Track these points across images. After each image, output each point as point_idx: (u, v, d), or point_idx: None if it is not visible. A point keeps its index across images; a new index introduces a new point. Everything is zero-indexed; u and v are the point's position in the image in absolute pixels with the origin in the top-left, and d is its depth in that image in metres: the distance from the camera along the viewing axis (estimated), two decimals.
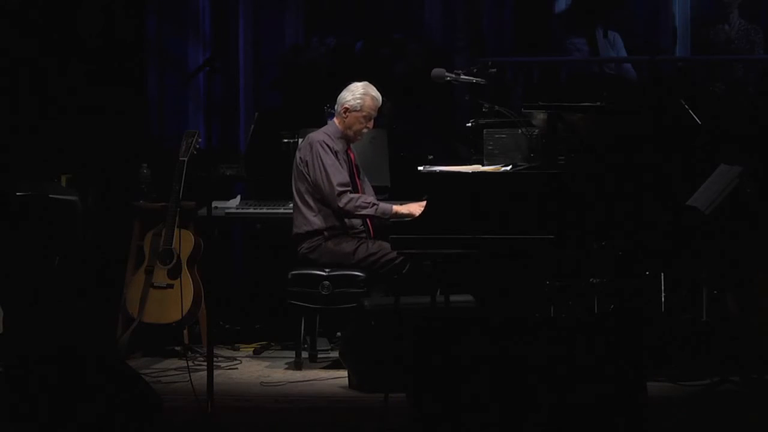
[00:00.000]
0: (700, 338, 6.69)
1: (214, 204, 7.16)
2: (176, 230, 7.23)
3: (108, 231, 8.02)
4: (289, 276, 7.07)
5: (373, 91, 7.17)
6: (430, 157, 7.55)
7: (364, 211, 7.03)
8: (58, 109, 8.23)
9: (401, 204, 7.03)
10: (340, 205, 7.01)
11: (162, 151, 8.34)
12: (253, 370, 7.16)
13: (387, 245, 6.73)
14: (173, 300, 7.18)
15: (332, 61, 8.93)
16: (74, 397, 4.98)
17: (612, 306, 7.00)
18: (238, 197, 7.82)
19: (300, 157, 7.16)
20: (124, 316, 7.45)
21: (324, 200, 7.07)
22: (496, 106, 6.95)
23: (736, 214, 6.24)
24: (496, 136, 6.92)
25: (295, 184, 7.17)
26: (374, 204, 7.01)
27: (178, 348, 7.52)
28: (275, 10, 9.06)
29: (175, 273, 7.23)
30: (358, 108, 7.14)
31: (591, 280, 7.05)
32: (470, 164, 6.91)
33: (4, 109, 8.09)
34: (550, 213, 6.25)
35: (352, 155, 7.27)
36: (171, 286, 7.22)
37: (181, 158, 7.28)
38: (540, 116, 6.66)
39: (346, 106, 7.15)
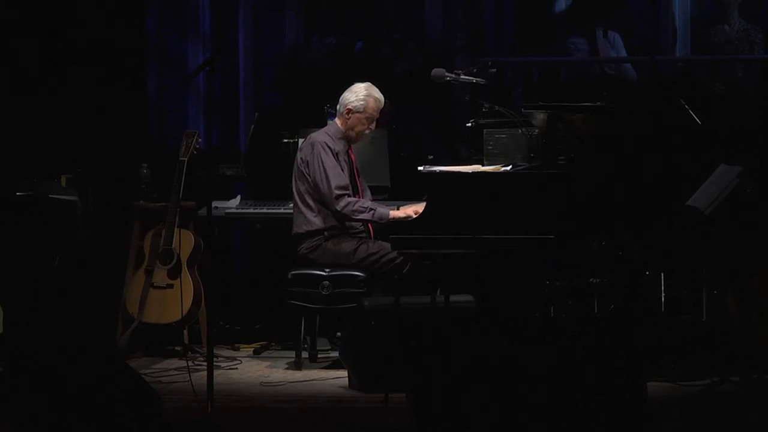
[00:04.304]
0: (700, 338, 6.69)
1: (214, 204, 7.16)
2: (176, 230, 7.23)
3: (108, 231, 8.02)
4: (289, 276, 7.07)
5: (376, 93, 7.17)
6: (430, 157, 7.56)
7: (361, 216, 7.03)
8: (58, 109, 8.23)
9: (399, 207, 7.02)
10: (338, 208, 7.01)
11: (162, 151, 8.35)
12: (253, 370, 7.17)
13: (387, 245, 6.73)
14: (173, 300, 7.18)
15: (332, 61, 8.93)
16: (74, 398, 4.99)
17: (612, 306, 7.00)
18: (238, 197, 7.82)
19: (301, 158, 7.17)
20: (124, 316, 7.45)
21: (323, 201, 7.07)
22: (496, 106, 6.95)
23: (736, 214, 6.24)
24: (496, 136, 6.92)
25: (295, 184, 7.17)
26: (371, 209, 7.00)
27: (178, 348, 7.52)
28: (275, 10, 9.06)
29: (175, 273, 7.23)
30: (361, 109, 7.14)
31: (591, 280, 7.05)
32: (470, 164, 6.91)
33: (4, 109, 8.09)
34: (550, 213, 6.25)
35: (353, 156, 7.27)
36: (171, 286, 7.22)
37: (181, 158, 7.29)
38: (540, 116, 6.66)
39: (349, 107, 7.15)
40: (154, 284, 7.24)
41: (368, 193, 7.37)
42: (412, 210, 6.82)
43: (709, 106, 7.93)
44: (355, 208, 7.02)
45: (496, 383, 4.91)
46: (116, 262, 7.75)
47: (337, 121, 7.23)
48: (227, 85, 8.91)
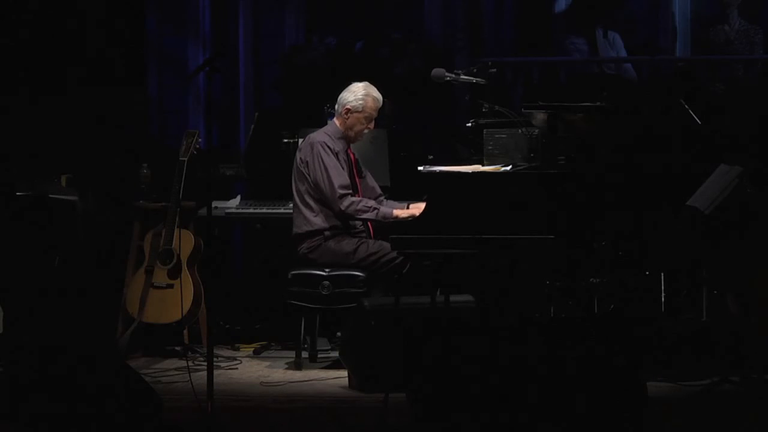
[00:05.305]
0: (700, 338, 6.69)
1: (214, 204, 7.16)
2: (176, 230, 7.23)
3: (108, 231, 8.03)
4: (289, 276, 7.06)
5: (374, 92, 7.17)
6: (430, 157, 7.55)
7: (365, 215, 7.03)
8: (57, 110, 8.24)
9: (402, 206, 7.02)
10: (342, 208, 7.01)
11: (162, 151, 8.35)
12: (253, 370, 7.16)
13: (387, 245, 6.73)
14: (173, 300, 7.18)
15: (332, 61, 8.93)
16: (74, 398, 4.99)
17: (612, 306, 7.00)
18: (238, 197, 7.82)
19: (300, 158, 7.16)
20: (124, 316, 7.45)
21: (324, 201, 7.07)
22: (496, 106, 6.95)
23: (736, 214, 6.24)
24: (496, 136, 6.91)
25: (295, 185, 7.17)
26: (375, 208, 7.00)
27: (178, 348, 7.52)
28: (275, 10, 9.07)
29: (175, 273, 7.23)
30: (360, 109, 7.14)
31: (591, 280, 7.05)
32: (470, 164, 6.91)
33: (4, 109, 8.10)
34: (550, 213, 6.25)
35: (352, 155, 7.27)
36: (171, 286, 7.22)
37: (181, 158, 7.29)
38: (540, 116, 6.66)
39: (348, 107, 7.15)
40: (154, 284, 7.24)
41: (374, 183, 7.34)
42: (416, 210, 6.81)
43: (708, 106, 7.94)
44: (358, 207, 7.02)
45: (495, 383, 4.91)
46: (116, 262, 7.75)
47: (336, 121, 7.23)
48: (227, 85, 8.91)
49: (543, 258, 6.80)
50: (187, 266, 7.25)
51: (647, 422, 4.97)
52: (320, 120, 7.59)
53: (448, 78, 7.11)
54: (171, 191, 7.24)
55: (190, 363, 6.68)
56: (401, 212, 6.93)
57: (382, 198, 7.29)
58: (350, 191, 7.07)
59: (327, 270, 7.04)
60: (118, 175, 8.21)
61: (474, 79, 7.10)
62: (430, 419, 4.95)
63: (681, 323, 6.92)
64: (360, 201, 7.05)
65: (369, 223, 7.18)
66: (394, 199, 7.32)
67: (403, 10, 9.11)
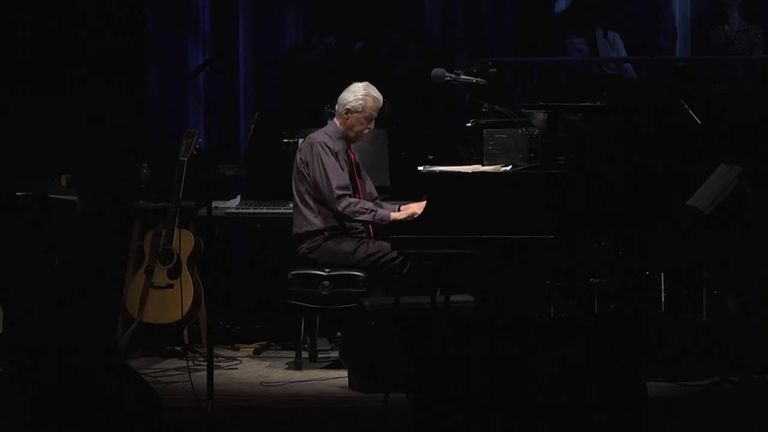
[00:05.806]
0: (700, 338, 6.69)
1: (214, 204, 7.16)
2: (176, 230, 7.23)
3: (108, 231, 8.03)
4: (289, 276, 7.06)
5: (374, 92, 7.17)
6: (430, 157, 7.55)
7: (362, 217, 7.02)
8: (58, 109, 8.24)
9: (400, 208, 7.02)
10: (339, 208, 7.01)
11: (162, 151, 8.35)
12: (253, 370, 7.17)
13: (387, 245, 6.73)
14: (173, 300, 7.18)
15: (332, 61, 8.93)
16: (74, 398, 4.98)
17: (612, 306, 7.00)
18: (238, 197, 7.82)
19: (300, 158, 7.16)
20: (124, 316, 7.45)
21: (324, 201, 7.07)
22: (496, 106, 6.95)
23: (736, 214, 6.24)
24: (496, 136, 6.91)
25: (295, 185, 7.17)
26: (372, 210, 7.00)
27: (178, 348, 7.53)
28: (275, 10, 9.07)
29: (175, 273, 7.23)
30: (360, 109, 7.14)
31: (591, 280, 7.05)
32: (470, 164, 6.91)
33: (4, 109, 8.10)
34: (550, 213, 6.25)
35: (352, 155, 7.27)
36: (171, 286, 7.22)
37: (181, 158, 7.29)
38: (540, 116, 6.66)
39: (348, 107, 7.15)
40: (154, 284, 7.24)
41: (371, 187, 7.35)
42: (413, 209, 6.81)
43: (709, 106, 7.94)
44: (356, 209, 7.02)
45: (495, 383, 4.91)
46: (116, 262, 7.75)
47: (336, 121, 7.23)
48: (227, 85, 8.92)
49: (543, 258, 6.80)
50: (187, 266, 7.25)
51: (647, 422, 4.97)
52: (320, 120, 7.59)
53: (448, 78, 7.11)
54: (171, 191, 7.24)
55: (190, 363, 6.68)
56: (398, 214, 6.93)
57: (378, 201, 7.29)
58: (348, 192, 7.06)
59: (327, 270, 7.04)
60: (118, 175, 8.21)
61: (474, 79, 7.10)
62: (430, 419, 4.95)
63: (681, 323, 6.92)
64: (357, 202, 7.05)
65: (369, 224, 7.18)
66: (394, 200, 7.32)
67: (403, 10, 9.11)
